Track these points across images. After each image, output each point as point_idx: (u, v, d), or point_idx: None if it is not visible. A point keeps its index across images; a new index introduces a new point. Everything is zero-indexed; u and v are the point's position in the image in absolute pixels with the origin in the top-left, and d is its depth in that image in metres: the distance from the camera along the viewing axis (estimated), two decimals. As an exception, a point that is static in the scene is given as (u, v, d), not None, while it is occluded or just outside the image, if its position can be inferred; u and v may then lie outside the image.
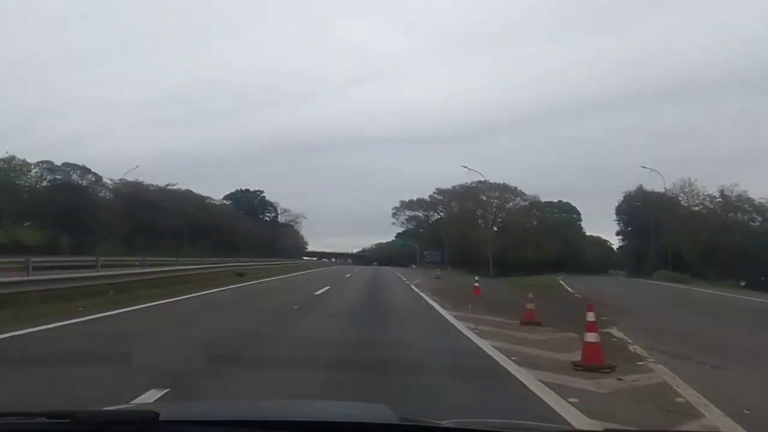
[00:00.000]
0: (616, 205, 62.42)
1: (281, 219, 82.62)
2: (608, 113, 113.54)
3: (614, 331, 9.88)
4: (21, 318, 9.10)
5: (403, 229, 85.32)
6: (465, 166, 55.11)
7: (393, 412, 1.84)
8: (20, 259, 15.64)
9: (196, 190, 59.72)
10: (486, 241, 53.21)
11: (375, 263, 76.96)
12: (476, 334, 9.19)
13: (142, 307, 11.77)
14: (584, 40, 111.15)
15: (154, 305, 12.32)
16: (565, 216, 78.34)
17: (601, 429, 4.28)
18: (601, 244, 79.45)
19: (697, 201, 52.68)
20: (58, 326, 8.63)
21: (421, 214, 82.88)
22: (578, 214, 79.20)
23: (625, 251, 67.33)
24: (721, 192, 49.80)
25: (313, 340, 8.48)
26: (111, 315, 10.28)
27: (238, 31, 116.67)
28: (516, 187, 70.32)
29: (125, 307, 11.40)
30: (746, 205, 49.05)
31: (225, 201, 72.23)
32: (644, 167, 50.07)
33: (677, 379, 5.95)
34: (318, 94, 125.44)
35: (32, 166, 47.53)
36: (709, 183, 52.65)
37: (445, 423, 1.79)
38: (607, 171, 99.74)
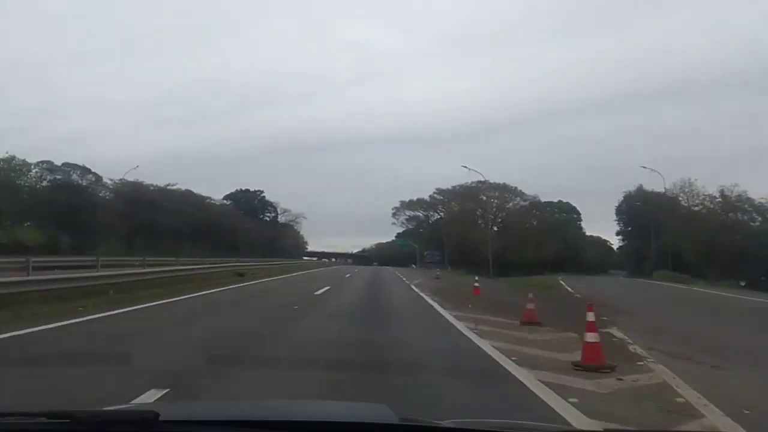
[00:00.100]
0: (616, 205, 62.54)
1: (281, 219, 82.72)
2: (608, 113, 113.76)
3: (614, 331, 9.88)
4: (21, 318, 9.09)
5: (403, 229, 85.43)
6: (465, 166, 55.18)
7: (393, 412, 1.84)
8: (20, 259, 15.64)
9: (196, 190, 59.86)
10: (486, 241, 53.20)
11: (375, 263, 76.95)
12: (476, 334, 9.18)
13: (141, 307, 11.76)
14: (584, 40, 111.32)
15: (153, 305, 12.31)
16: (565, 216, 78.36)
17: (601, 429, 4.28)
18: (601, 244, 79.47)
19: (697, 201, 52.74)
20: (58, 326, 8.62)
21: (421, 214, 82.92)
22: (578, 214, 79.31)
23: (624, 251, 67.34)
24: (721, 192, 49.85)
25: (313, 340, 8.48)
26: (111, 315, 10.27)
27: (238, 31, 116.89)
28: (516, 187, 70.46)
29: (125, 307, 11.40)
30: (746, 205, 49.04)
31: (225, 201, 72.25)
32: (644, 167, 50.16)
33: (677, 379, 5.94)
34: (318, 94, 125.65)
35: (32, 166, 47.56)
36: (709, 183, 52.94)
37: (445, 423, 1.79)
38: (607, 171, 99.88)
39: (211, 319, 10.92)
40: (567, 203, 78.97)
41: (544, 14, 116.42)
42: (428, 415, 1.86)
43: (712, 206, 51.25)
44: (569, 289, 25.52)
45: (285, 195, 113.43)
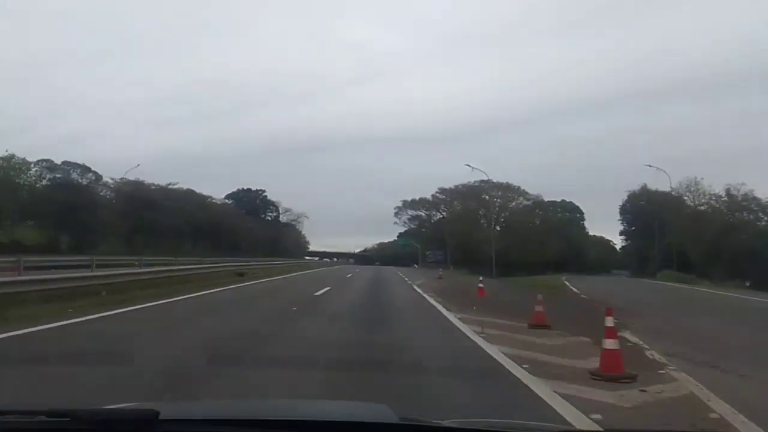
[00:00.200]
0: (620, 204, 62.01)
1: (283, 219, 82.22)
2: (608, 113, 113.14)
3: (628, 335, 9.39)
4: (7, 320, 8.71)
5: (406, 228, 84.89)
6: (468, 165, 54.76)
7: (393, 412, 1.82)
8: (11, 259, 15.24)
9: (197, 190, 59.44)
10: (489, 240, 52.64)
11: (377, 263, 76.40)
12: (483, 338, 8.73)
13: (133, 309, 11.36)
14: (584, 40, 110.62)
15: (147, 306, 11.90)
16: (569, 215, 78.00)
17: (602, 429, 4.16)
18: (604, 243, 79.06)
19: (703, 200, 52.11)
20: (44, 329, 8.27)
21: (423, 214, 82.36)
22: (581, 213, 78.98)
23: (627, 251, 66.91)
24: (727, 191, 49.21)
25: (313, 340, 8.32)
26: (101, 317, 9.86)
27: (237, 31, 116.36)
28: (519, 187, 69.90)
29: (115, 309, 10.94)
30: (752, 205, 48.42)
31: (227, 200, 71.87)
32: (650, 166, 49.46)
33: (705, 391, 5.46)
34: (318, 94, 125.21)
35: (32, 165, 47.15)
36: (712, 182, 51.82)
37: (446, 423, 1.79)
38: (608, 171, 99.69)
39: (211, 320, 10.65)
40: (570, 203, 78.68)
41: (544, 14, 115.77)
42: (430, 418, 1.82)
43: (717, 206, 50.65)
44: (575, 289, 25.03)
45: (286, 195, 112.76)
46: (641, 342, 8.77)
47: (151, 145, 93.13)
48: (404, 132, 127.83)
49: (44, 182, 48.12)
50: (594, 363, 6.36)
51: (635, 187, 58.28)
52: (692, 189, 51.89)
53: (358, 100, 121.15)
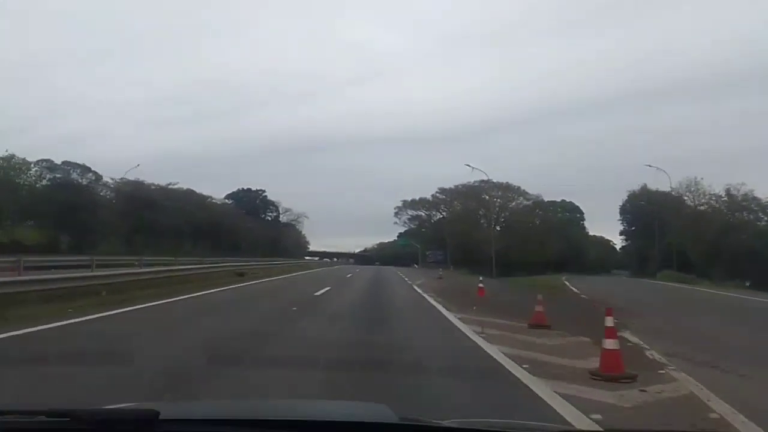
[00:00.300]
0: (620, 204, 62.01)
1: (283, 219, 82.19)
2: (608, 113, 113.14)
3: (628, 335, 9.39)
4: (7, 320, 8.70)
5: (405, 228, 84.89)
6: (468, 165, 54.76)
7: (393, 412, 1.82)
8: (11, 259, 15.23)
9: (197, 190, 59.43)
10: (489, 240, 52.63)
11: (377, 263, 76.38)
12: (483, 338, 8.73)
13: (133, 309, 11.35)
14: (584, 40, 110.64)
15: (147, 306, 11.90)
16: (569, 215, 78.01)
17: (602, 429, 4.15)
18: (604, 243, 79.10)
19: (703, 200, 52.09)
20: (43, 329, 8.26)
21: (423, 214, 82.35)
22: (581, 213, 78.97)
23: (627, 251, 66.92)
24: (728, 191, 49.20)
25: (313, 340, 8.32)
26: (101, 317, 9.86)
27: (237, 31, 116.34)
28: (519, 187, 69.89)
29: (115, 309, 10.94)
30: (752, 205, 48.40)
31: (227, 200, 71.85)
32: (650, 166, 49.45)
33: (705, 391, 5.46)
34: (318, 94, 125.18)
35: (32, 165, 47.13)
36: (712, 182, 51.84)
37: (446, 423, 1.79)
38: (608, 171, 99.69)
39: (211, 320, 10.64)
40: (570, 203, 78.68)
41: (544, 14, 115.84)
42: (430, 418, 1.82)
43: (717, 206, 50.64)
44: (575, 289, 25.03)
45: (286, 195, 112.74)
46: (641, 342, 8.77)
47: (151, 145, 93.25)
48: (404, 132, 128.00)
49: (44, 182, 48.11)
50: (594, 363, 6.37)
51: (635, 187, 58.46)
52: (692, 189, 51.95)
53: (358, 100, 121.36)
